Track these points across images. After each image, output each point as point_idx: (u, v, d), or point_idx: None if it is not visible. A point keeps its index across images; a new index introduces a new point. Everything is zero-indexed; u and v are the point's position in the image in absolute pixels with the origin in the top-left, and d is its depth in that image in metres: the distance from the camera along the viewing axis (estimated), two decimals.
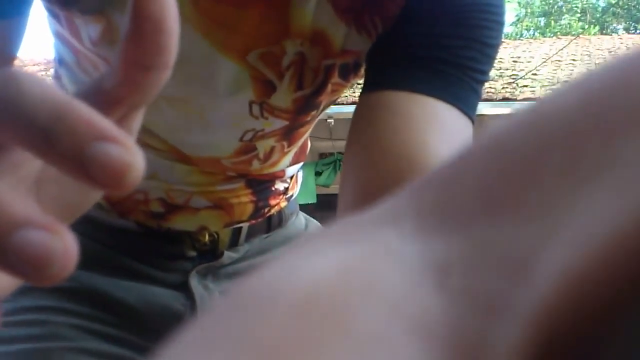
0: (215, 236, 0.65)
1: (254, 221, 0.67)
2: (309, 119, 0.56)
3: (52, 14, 0.49)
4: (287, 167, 0.65)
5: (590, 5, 15.14)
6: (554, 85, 5.65)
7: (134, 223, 0.63)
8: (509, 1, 18.36)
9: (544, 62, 6.66)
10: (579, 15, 14.63)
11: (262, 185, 0.65)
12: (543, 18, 15.90)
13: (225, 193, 0.62)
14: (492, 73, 6.39)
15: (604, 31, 14.33)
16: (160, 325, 0.61)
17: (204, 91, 0.49)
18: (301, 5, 0.44)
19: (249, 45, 0.46)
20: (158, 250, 0.64)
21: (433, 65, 0.43)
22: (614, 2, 14.62)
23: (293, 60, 0.47)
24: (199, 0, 0.43)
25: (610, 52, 7.53)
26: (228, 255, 0.66)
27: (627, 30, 14.62)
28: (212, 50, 0.46)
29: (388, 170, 0.41)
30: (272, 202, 0.68)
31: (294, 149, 0.63)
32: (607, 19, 15.05)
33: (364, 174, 0.42)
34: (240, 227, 0.67)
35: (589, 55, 7.29)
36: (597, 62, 6.81)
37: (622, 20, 15.08)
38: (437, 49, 0.44)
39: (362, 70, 0.50)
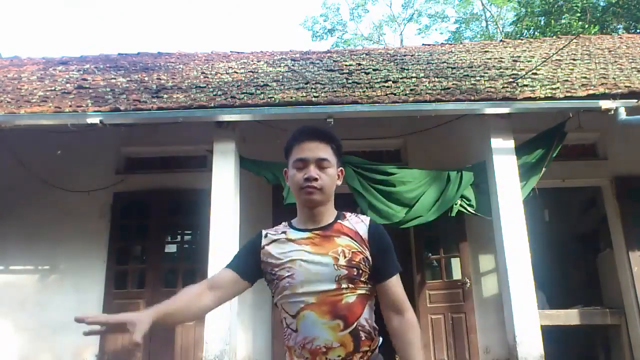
0: None
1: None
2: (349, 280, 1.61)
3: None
4: (356, 308, 1.59)
5: (591, 4, 15.12)
6: (554, 84, 5.64)
7: None
8: (509, 0, 18.32)
9: (544, 61, 6.65)
10: (579, 14, 14.60)
11: (356, 334, 1.55)
12: (543, 17, 15.88)
13: (342, 338, 1.54)
14: (492, 72, 6.37)
15: (604, 30, 14.31)
16: None
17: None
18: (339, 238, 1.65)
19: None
20: None
21: (392, 267, 1.68)
22: (614, 1, 14.59)
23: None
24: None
25: (611, 51, 7.52)
26: None
27: (627, 29, 14.59)
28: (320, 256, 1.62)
29: (393, 308, 1.66)
30: (363, 347, 1.56)
31: (356, 293, 1.60)
32: (608, 19, 15.03)
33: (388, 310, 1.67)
34: None
35: (589, 55, 7.28)
36: (597, 61, 6.80)
37: (623, 19, 15.06)
38: (390, 264, 1.69)
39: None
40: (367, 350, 1.57)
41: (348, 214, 1.72)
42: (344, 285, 1.56)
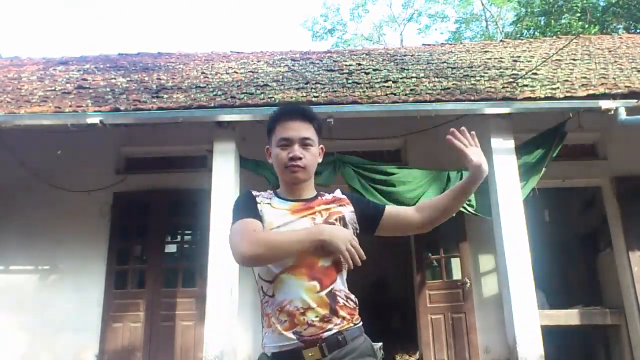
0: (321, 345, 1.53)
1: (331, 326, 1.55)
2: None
3: None
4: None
5: (591, 4, 15.12)
6: (554, 84, 5.64)
7: (299, 340, 1.53)
8: (509, 0, 18.32)
9: (544, 61, 6.65)
10: (579, 14, 14.60)
11: (333, 296, 1.58)
12: (543, 17, 15.89)
13: (319, 299, 1.56)
14: (492, 72, 6.37)
15: (604, 30, 14.30)
16: None
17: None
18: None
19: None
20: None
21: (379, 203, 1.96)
22: (614, 1, 14.59)
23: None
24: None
25: (611, 51, 7.52)
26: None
27: (627, 29, 14.59)
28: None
29: (408, 210, 1.84)
30: (341, 312, 1.57)
31: (330, 259, 1.61)
32: (608, 19, 15.02)
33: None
34: (326, 342, 1.53)
35: (589, 55, 7.28)
36: (597, 61, 6.80)
37: (623, 19, 15.05)
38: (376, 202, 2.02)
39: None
40: (348, 319, 1.57)
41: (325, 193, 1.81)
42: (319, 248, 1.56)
